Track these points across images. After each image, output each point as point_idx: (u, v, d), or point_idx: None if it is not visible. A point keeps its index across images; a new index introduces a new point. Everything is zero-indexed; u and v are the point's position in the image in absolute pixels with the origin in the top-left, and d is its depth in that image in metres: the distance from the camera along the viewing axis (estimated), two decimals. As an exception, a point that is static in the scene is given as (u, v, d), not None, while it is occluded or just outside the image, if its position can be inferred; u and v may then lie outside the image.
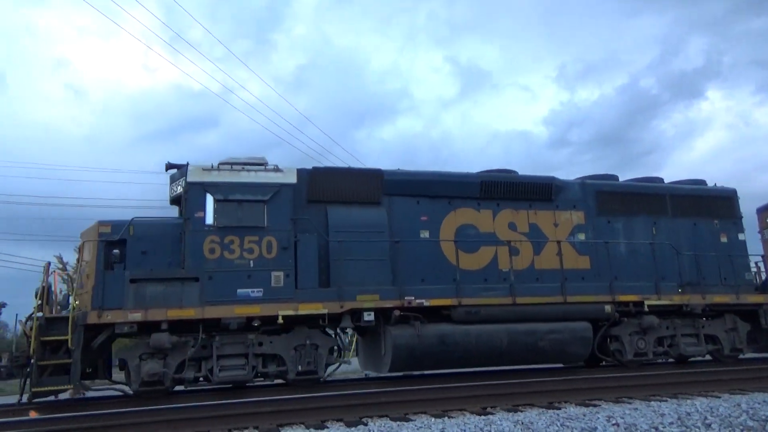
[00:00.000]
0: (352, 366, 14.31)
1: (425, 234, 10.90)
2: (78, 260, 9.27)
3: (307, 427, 6.67)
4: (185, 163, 10.04)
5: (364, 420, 7.04)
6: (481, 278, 10.87)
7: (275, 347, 9.50)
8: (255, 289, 9.32)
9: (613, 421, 6.44)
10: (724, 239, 12.85)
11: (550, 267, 11.32)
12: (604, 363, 12.22)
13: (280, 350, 9.50)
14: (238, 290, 9.23)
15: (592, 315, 11.00)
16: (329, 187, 10.53)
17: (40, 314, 8.72)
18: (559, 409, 7.61)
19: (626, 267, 11.87)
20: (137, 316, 8.73)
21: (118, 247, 9.29)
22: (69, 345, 8.47)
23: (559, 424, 6.38)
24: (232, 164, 10.00)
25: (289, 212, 9.79)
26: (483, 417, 7.02)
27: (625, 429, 6.11)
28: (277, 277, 9.47)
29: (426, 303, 10.07)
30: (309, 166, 10.78)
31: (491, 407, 7.83)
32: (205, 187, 9.49)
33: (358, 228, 10.30)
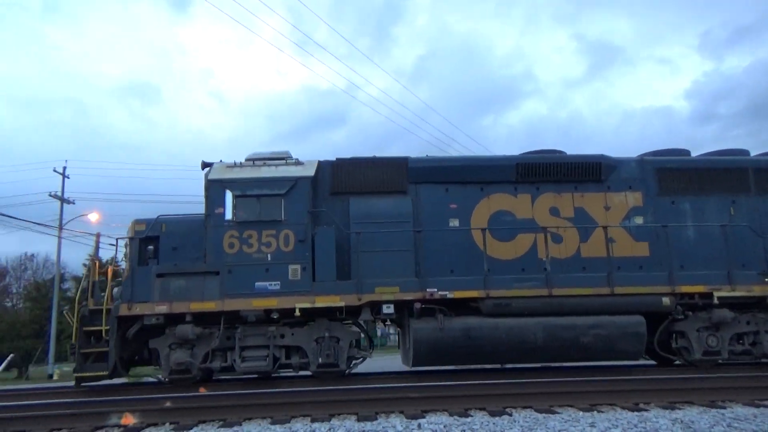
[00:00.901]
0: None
1: (455, 223, 10.34)
2: (125, 255, 10.01)
3: (451, 415, 6.57)
4: (219, 160, 10.44)
5: (507, 410, 6.78)
6: (518, 268, 10.11)
7: (297, 339, 9.58)
8: (272, 282, 9.45)
9: None
10: (828, 218, 10.77)
11: (599, 255, 10.22)
12: (677, 362, 10.88)
13: (301, 342, 9.57)
14: (256, 283, 9.42)
15: (646, 308, 9.79)
16: (352, 178, 10.38)
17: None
18: (724, 408, 6.80)
19: (695, 254, 10.39)
20: (163, 308, 9.25)
21: (153, 243, 9.91)
22: (103, 335, 9.22)
23: (725, 425, 5.75)
24: (254, 160, 10.23)
25: (306, 205, 9.80)
26: (636, 413, 6.51)
27: (808, 435, 5.28)
28: (294, 270, 9.52)
29: (449, 295, 9.58)
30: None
31: (644, 403, 7.21)
32: (224, 184, 9.78)
33: (381, 218, 10.04)
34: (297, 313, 9.34)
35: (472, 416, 6.47)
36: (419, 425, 5.97)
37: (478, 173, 10.55)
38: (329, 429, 5.93)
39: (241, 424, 6.36)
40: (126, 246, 10.08)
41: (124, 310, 9.25)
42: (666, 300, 9.77)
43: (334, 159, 10.58)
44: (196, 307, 9.30)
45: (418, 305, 9.49)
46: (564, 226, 10.41)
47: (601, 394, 7.43)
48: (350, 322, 9.80)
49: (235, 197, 9.71)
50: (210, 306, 9.30)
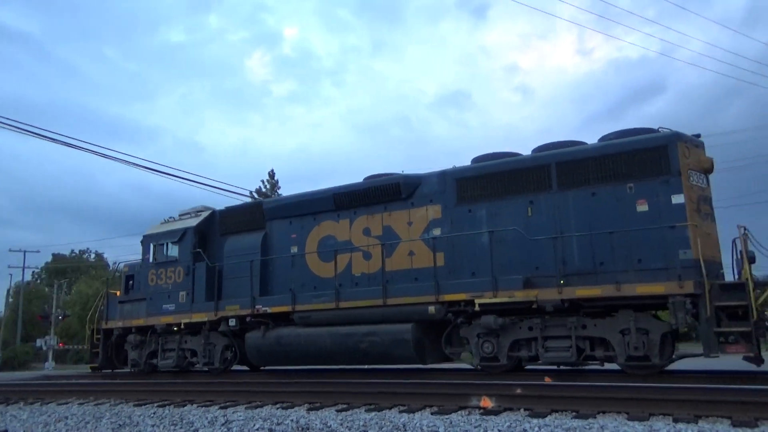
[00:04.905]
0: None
1: (294, 249, 12.68)
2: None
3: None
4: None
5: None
6: (335, 284, 11.88)
7: (192, 344, 13.43)
8: (171, 305, 13.51)
9: None
10: (642, 207, 9.35)
11: (401, 268, 11.29)
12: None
13: (194, 346, 13.38)
14: (163, 306, 13.61)
15: (414, 317, 10.52)
16: (231, 222, 13.72)
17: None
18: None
19: (488, 260, 10.45)
20: (119, 323, 14.25)
21: (132, 279, 15.05)
22: (94, 340, 14.70)
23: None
24: (178, 215, 14.52)
25: (190, 247, 13.55)
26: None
27: None
28: (183, 295, 13.40)
29: (269, 310, 12.10)
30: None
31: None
32: (149, 238, 14.28)
33: (239, 252, 13.12)
34: (182, 326, 13.20)
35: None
36: None
37: (311, 206, 12.63)
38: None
39: (595, 417, 6.13)
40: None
41: (103, 325, 14.57)
42: (432, 309, 10.32)
43: (224, 208, 14.08)
44: (135, 322, 14.01)
45: (248, 319, 12.29)
46: (373, 243, 11.72)
47: None
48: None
49: (153, 246, 14.11)
50: (140, 322, 13.89)
